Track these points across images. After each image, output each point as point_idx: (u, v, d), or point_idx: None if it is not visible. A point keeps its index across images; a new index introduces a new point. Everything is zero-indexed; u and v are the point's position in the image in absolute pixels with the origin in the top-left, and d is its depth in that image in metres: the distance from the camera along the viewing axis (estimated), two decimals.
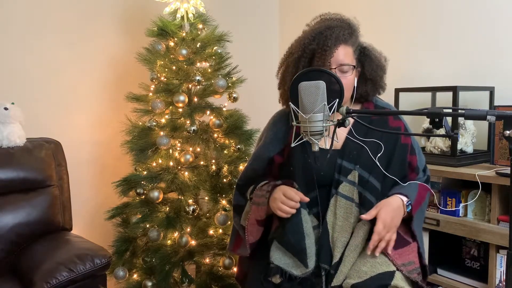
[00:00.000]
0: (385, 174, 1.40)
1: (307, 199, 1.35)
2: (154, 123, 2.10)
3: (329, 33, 1.37)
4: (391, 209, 1.31)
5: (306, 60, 1.39)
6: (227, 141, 2.19)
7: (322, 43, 1.36)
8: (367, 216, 1.29)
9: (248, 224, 1.46)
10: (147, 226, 2.09)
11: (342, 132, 1.44)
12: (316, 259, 1.36)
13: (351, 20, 1.46)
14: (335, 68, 1.36)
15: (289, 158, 1.46)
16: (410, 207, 1.36)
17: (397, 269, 1.32)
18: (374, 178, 1.39)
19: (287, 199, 1.34)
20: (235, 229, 1.59)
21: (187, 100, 2.09)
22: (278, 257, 1.38)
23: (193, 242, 2.10)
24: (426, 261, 1.49)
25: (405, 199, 1.35)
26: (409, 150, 1.46)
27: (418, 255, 1.43)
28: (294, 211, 1.34)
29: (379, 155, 1.40)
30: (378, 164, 1.39)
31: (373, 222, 1.35)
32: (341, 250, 1.35)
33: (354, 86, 1.43)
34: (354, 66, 1.40)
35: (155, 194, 2.04)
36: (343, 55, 1.37)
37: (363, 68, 1.46)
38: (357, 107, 1.52)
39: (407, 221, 1.41)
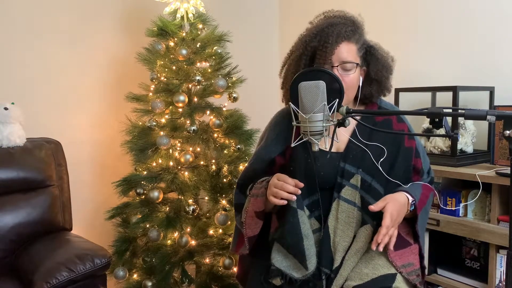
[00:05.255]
0: (388, 178, 1.37)
1: (301, 185, 1.28)
2: (154, 123, 2.10)
3: (331, 30, 1.33)
4: (398, 204, 1.28)
5: (308, 58, 1.36)
6: (227, 141, 2.19)
7: (324, 40, 1.32)
8: (374, 207, 1.24)
9: (247, 217, 1.43)
10: (147, 226, 2.09)
11: (345, 135, 1.41)
12: (317, 261, 1.34)
13: (355, 17, 1.42)
14: (337, 66, 1.32)
15: (291, 159, 1.44)
16: (413, 207, 1.34)
17: (397, 271, 1.31)
18: (377, 182, 1.37)
19: (281, 182, 1.29)
20: (237, 230, 1.57)
21: (187, 100, 2.09)
22: (280, 259, 1.36)
23: (193, 242, 2.10)
24: (426, 263, 1.48)
25: (410, 197, 1.34)
26: (414, 153, 1.44)
27: (420, 257, 1.41)
28: (287, 195, 1.26)
29: (381, 159, 1.37)
30: (381, 169, 1.36)
31: (376, 226, 1.34)
32: (342, 254, 1.34)
33: (359, 86, 1.40)
34: (357, 64, 1.35)
35: (155, 194, 2.05)
36: (346, 52, 1.33)
37: (368, 68, 1.42)
38: (361, 108, 1.48)
39: (410, 221, 1.40)
